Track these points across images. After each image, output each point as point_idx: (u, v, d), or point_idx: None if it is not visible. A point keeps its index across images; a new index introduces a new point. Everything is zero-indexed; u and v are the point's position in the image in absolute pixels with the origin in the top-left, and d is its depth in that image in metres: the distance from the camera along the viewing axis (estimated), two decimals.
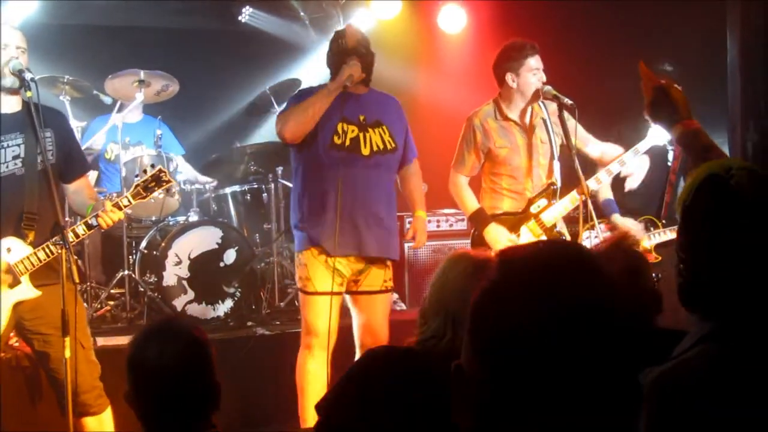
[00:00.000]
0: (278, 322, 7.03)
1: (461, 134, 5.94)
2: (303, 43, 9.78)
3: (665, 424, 1.90)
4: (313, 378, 5.19)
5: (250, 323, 6.98)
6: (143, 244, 7.24)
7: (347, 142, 5.21)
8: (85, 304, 6.06)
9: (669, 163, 6.29)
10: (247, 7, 9.49)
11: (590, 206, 5.42)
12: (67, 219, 5.21)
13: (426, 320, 2.73)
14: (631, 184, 6.04)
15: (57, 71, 7.56)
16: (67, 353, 4.25)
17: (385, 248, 5.38)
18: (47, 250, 4.65)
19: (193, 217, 7.50)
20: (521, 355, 1.31)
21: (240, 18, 9.54)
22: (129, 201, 4.85)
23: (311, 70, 9.68)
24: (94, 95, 7.88)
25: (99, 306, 6.98)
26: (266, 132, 9.11)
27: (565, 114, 5.66)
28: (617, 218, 5.97)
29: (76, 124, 7.48)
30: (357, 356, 5.29)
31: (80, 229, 4.73)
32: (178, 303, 6.81)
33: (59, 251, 4.61)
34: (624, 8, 7.98)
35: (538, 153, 5.80)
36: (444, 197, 6.81)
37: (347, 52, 5.31)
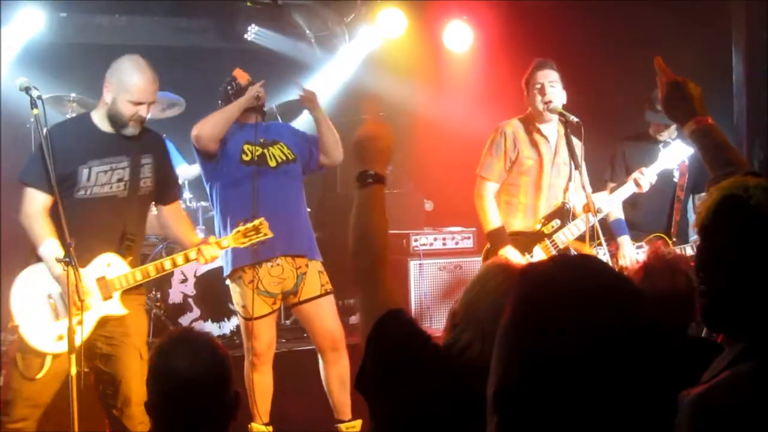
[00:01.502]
0: (284, 340, 7.03)
1: (489, 141, 5.97)
2: (308, 61, 9.79)
3: None
4: (258, 385, 5.62)
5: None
6: (149, 261, 7.23)
7: (255, 158, 5.65)
8: None
9: (675, 179, 6.27)
10: (253, 25, 9.51)
11: (597, 225, 5.42)
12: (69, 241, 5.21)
13: (456, 324, 2.70)
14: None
15: (63, 90, 7.57)
16: (73, 370, 4.25)
17: (307, 249, 5.80)
18: (144, 272, 4.86)
19: (199, 235, 7.49)
20: (557, 372, 1.31)
21: (246, 36, 9.56)
22: (229, 242, 5.17)
23: (316, 88, 9.69)
24: None
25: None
26: None
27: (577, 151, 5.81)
28: (623, 240, 5.95)
29: None
30: (319, 361, 5.73)
31: (180, 259, 4.97)
32: (184, 320, 6.81)
33: (157, 274, 4.90)
34: (629, 26, 7.99)
35: (558, 172, 5.88)
36: (450, 215, 6.82)
37: (242, 89, 5.83)
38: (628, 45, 8.02)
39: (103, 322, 4.77)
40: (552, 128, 5.91)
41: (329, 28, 9.50)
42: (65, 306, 4.60)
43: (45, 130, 4.77)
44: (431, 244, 8.28)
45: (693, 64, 7.37)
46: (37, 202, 4.74)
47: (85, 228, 4.73)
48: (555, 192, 5.89)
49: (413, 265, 8.02)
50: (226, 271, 5.69)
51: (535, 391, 1.32)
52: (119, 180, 4.84)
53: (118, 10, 8.81)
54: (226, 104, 5.81)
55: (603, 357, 1.30)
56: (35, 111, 4.66)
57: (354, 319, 7.96)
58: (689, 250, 6.06)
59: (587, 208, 5.46)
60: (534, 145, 5.87)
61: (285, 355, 6.35)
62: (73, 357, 4.26)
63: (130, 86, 4.83)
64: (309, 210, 6.11)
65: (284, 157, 5.79)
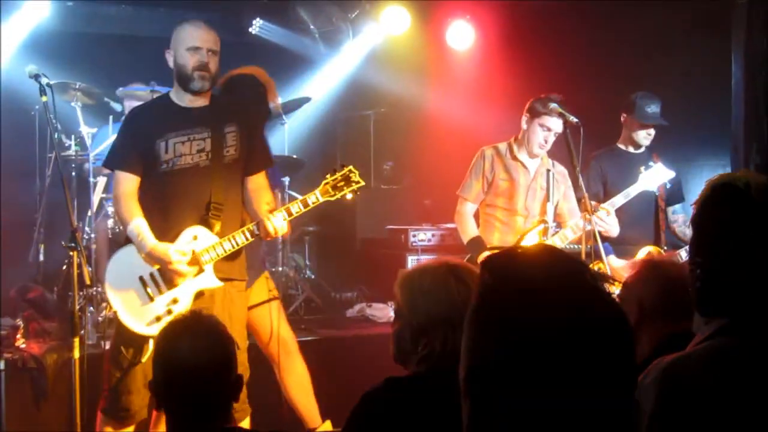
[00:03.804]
0: None
1: (472, 162, 6.16)
2: (312, 56, 9.86)
3: (671, 407, 2.02)
4: None
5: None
6: None
7: None
8: (105, 310, 6.12)
9: (654, 190, 6.29)
10: (258, 19, 9.57)
11: (595, 225, 5.50)
12: (78, 223, 5.23)
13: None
14: (609, 235, 6.01)
15: (69, 78, 7.63)
16: (76, 354, 4.30)
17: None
18: (233, 241, 4.72)
19: None
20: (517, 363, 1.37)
21: (250, 30, 9.61)
22: (317, 198, 4.82)
23: (320, 82, 9.77)
24: (105, 102, 7.96)
25: (107, 310, 7.01)
26: (274, 144, 9.18)
27: (558, 176, 5.99)
28: (613, 260, 5.99)
29: (86, 131, 7.56)
30: (276, 372, 5.50)
31: (240, 237, 4.76)
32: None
33: (245, 242, 4.74)
34: (629, 31, 8.05)
35: (535, 195, 6.05)
36: (449, 211, 6.87)
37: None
38: (628, 47, 8.08)
39: (201, 303, 4.66)
40: (535, 161, 6.08)
41: (333, 24, 9.57)
42: (157, 286, 4.64)
43: (52, 116, 4.83)
44: (429, 240, 8.36)
45: (692, 68, 7.46)
46: (123, 185, 4.72)
47: (172, 201, 4.74)
48: (531, 213, 6.07)
49: (411, 260, 8.10)
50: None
51: (502, 373, 1.38)
52: (200, 150, 4.75)
53: (125, 0, 8.87)
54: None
55: (564, 338, 1.36)
56: (44, 98, 4.68)
57: (351, 312, 8.04)
58: (683, 254, 6.11)
59: (584, 207, 5.55)
60: (511, 168, 6.07)
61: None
62: (77, 340, 4.32)
63: (184, 35, 4.79)
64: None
65: None
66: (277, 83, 9.03)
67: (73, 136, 7.49)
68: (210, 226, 4.73)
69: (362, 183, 4.96)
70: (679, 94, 7.12)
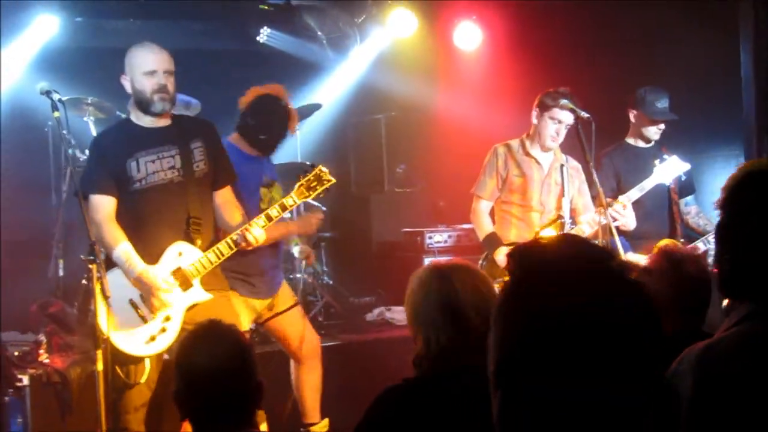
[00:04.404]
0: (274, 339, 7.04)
1: (485, 160, 6.20)
2: (320, 62, 9.88)
3: (706, 390, 2.07)
4: None
5: (274, 339, 7.01)
6: None
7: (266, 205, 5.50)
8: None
9: (667, 184, 6.27)
10: (265, 27, 9.58)
11: (610, 220, 5.51)
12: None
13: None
14: (626, 228, 5.98)
15: (80, 92, 7.66)
16: (99, 366, 4.33)
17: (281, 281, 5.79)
18: (217, 252, 4.80)
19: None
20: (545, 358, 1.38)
21: (258, 38, 9.62)
22: (294, 200, 4.99)
23: (330, 88, 9.79)
24: (118, 115, 7.98)
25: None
26: (286, 151, 9.20)
27: (572, 171, 6.04)
28: (630, 257, 5.97)
29: None
30: (292, 368, 5.76)
31: (224, 247, 4.83)
32: None
33: (230, 251, 4.81)
34: (636, 27, 8.04)
35: (550, 191, 6.09)
36: (462, 212, 6.90)
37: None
38: (635, 43, 8.08)
39: (193, 315, 4.70)
40: (548, 156, 6.08)
41: (340, 30, 9.57)
42: (149, 307, 4.69)
43: (65, 132, 4.88)
44: (446, 241, 8.37)
45: (700, 61, 7.45)
46: (102, 209, 4.78)
47: (148, 218, 4.80)
48: (547, 208, 6.10)
49: (428, 262, 8.09)
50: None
51: (527, 363, 1.39)
52: (171, 167, 4.83)
53: (133, 14, 8.89)
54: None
55: (587, 327, 1.36)
56: (56, 114, 4.74)
57: (371, 316, 8.05)
58: (701, 245, 6.11)
59: (599, 203, 5.57)
60: (524, 164, 6.10)
61: (277, 355, 6.27)
62: (100, 353, 4.35)
63: (138, 60, 4.89)
64: (324, 209, 6.08)
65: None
66: (287, 90, 9.10)
67: (87, 151, 7.52)
68: (192, 241, 4.81)
69: (333, 181, 5.12)
70: (689, 87, 7.11)
